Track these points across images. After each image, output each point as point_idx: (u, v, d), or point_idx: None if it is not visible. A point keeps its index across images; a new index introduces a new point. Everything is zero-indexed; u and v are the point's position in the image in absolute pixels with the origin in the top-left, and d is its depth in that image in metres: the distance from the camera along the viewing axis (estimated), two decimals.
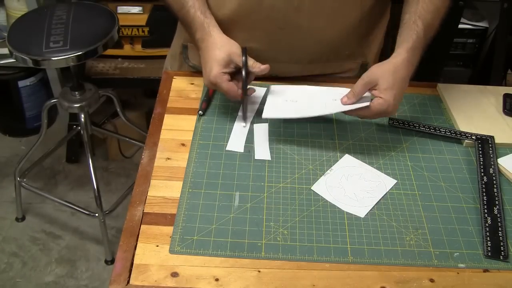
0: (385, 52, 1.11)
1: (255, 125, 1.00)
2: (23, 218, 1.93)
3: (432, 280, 0.75)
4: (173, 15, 1.04)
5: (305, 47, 1.05)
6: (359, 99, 0.93)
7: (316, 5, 0.98)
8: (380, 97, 0.90)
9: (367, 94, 0.93)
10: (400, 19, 0.99)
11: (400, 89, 0.91)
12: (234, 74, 0.96)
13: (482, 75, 2.04)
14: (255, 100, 1.05)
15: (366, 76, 0.92)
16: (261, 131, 0.98)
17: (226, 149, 0.94)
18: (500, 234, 0.81)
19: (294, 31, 1.01)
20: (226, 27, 1.02)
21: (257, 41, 1.03)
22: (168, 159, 0.91)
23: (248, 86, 0.96)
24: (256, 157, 0.93)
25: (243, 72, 0.93)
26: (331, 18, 1.01)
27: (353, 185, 0.89)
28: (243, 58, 0.93)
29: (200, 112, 1.01)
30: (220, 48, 0.94)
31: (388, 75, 0.90)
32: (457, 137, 0.99)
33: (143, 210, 0.82)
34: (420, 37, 0.93)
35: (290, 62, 1.08)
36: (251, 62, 0.94)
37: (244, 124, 0.99)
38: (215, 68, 0.93)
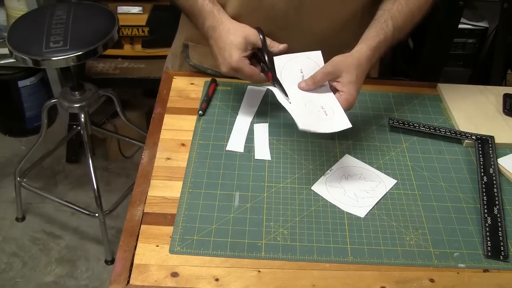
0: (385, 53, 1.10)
1: (255, 125, 1.00)
2: (23, 218, 1.93)
3: (432, 280, 0.75)
4: (179, 8, 1.02)
5: (306, 47, 1.05)
6: (319, 88, 0.92)
7: (317, 5, 0.98)
8: (343, 91, 0.89)
9: (326, 83, 0.92)
10: None
11: (361, 84, 0.91)
12: (250, 58, 0.95)
13: (482, 75, 2.04)
14: (255, 100, 1.06)
15: (330, 66, 0.90)
16: (261, 131, 0.98)
17: (226, 149, 0.94)
18: (500, 234, 0.81)
19: (295, 31, 1.01)
20: None
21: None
22: (168, 159, 0.91)
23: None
24: (256, 157, 0.93)
25: (264, 51, 0.92)
26: (332, 17, 1.01)
27: (353, 185, 0.89)
28: (261, 37, 0.93)
29: (200, 112, 1.01)
30: (234, 33, 0.93)
31: (352, 69, 0.89)
32: (457, 137, 0.99)
33: (143, 210, 0.82)
34: (387, 38, 0.93)
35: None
36: (268, 41, 0.94)
37: (289, 101, 0.90)
38: (235, 53, 0.92)
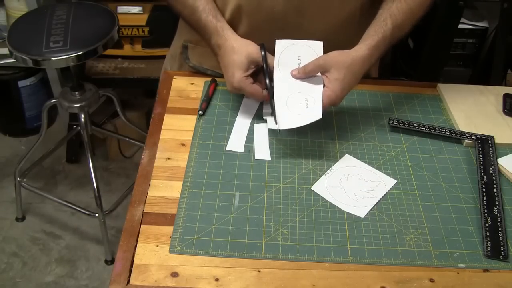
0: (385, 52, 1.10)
1: (255, 125, 1.00)
2: (23, 218, 1.93)
3: (432, 280, 0.75)
4: (185, 20, 1.04)
5: None
6: (310, 77, 0.94)
7: (316, 6, 0.98)
8: (328, 87, 0.91)
9: (319, 74, 0.93)
10: None
11: (350, 83, 0.92)
12: (256, 74, 0.96)
13: (482, 75, 2.04)
14: (255, 100, 1.05)
15: (322, 59, 0.92)
16: (261, 131, 0.98)
17: (226, 149, 0.94)
18: (500, 234, 0.81)
19: (295, 32, 1.01)
20: None
21: (257, 42, 1.03)
22: (168, 159, 0.91)
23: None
24: (256, 157, 0.93)
25: (265, 70, 0.93)
26: (331, 18, 1.01)
27: (353, 185, 0.89)
28: (262, 53, 0.93)
29: (200, 112, 1.01)
30: (237, 52, 0.94)
31: (342, 67, 0.90)
32: (457, 137, 0.99)
33: (143, 210, 0.82)
34: (386, 36, 0.93)
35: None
36: (271, 59, 0.94)
37: (276, 126, 0.92)
38: (236, 73, 0.93)
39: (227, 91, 1.00)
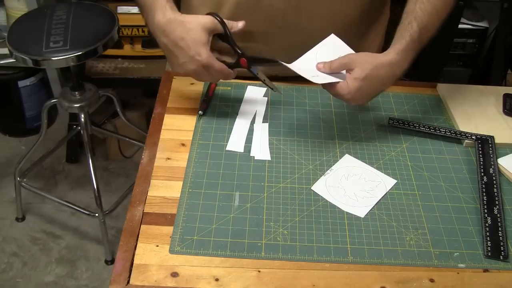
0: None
1: (255, 125, 1.00)
2: (23, 218, 1.93)
3: (432, 280, 0.75)
4: (135, 2, 0.98)
5: (305, 47, 1.05)
6: (335, 75, 0.91)
7: (315, 5, 0.98)
8: (346, 81, 0.89)
9: (344, 71, 0.91)
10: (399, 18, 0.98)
11: (370, 85, 0.89)
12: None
13: (482, 75, 2.04)
14: (255, 100, 1.06)
15: (348, 58, 0.90)
16: (261, 131, 0.98)
17: (226, 149, 0.94)
18: (500, 234, 0.81)
19: (293, 31, 1.01)
20: None
21: (256, 41, 1.03)
22: (168, 159, 0.91)
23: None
24: (256, 157, 0.93)
25: (229, 37, 0.89)
26: (330, 17, 1.01)
27: (353, 185, 0.89)
28: (218, 19, 0.89)
29: (200, 112, 1.01)
30: (192, 28, 0.87)
31: (365, 68, 0.88)
32: (457, 137, 0.99)
33: (143, 210, 0.82)
34: (414, 39, 0.90)
35: (290, 62, 1.08)
36: (227, 22, 0.90)
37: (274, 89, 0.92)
38: (202, 50, 0.87)
39: (224, 90, 1.00)
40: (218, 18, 0.89)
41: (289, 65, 0.91)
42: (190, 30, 0.87)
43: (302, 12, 0.98)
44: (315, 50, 0.96)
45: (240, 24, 0.92)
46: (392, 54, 0.89)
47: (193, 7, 1.05)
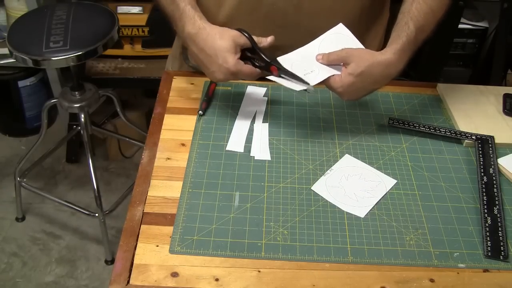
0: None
1: (255, 125, 1.00)
2: (23, 218, 1.93)
3: (432, 280, 0.75)
4: (161, 11, 1.00)
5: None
6: (333, 67, 0.92)
7: (316, 4, 0.98)
8: (340, 76, 0.90)
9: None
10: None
11: (364, 82, 0.90)
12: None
13: (482, 75, 2.04)
14: (255, 100, 1.06)
15: (345, 52, 0.91)
16: (261, 131, 0.98)
17: (226, 149, 0.94)
18: (500, 234, 0.81)
19: (294, 30, 1.01)
20: (226, 25, 1.02)
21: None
22: (168, 159, 0.91)
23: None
24: (256, 157, 0.93)
25: (257, 49, 0.92)
26: (331, 16, 1.01)
27: (353, 185, 0.89)
28: (246, 35, 0.92)
29: (200, 112, 1.01)
30: (222, 37, 0.91)
31: (361, 64, 0.89)
32: (457, 137, 0.99)
33: (143, 210, 0.82)
34: (410, 39, 0.91)
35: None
36: (256, 38, 0.93)
37: (305, 87, 0.90)
38: (230, 57, 0.90)
39: (224, 90, 1.00)
40: (245, 34, 0.92)
41: (282, 62, 0.92)
42: (220, 39, 0.90)
43: (303, 11, 0.98)
44: (319, 39, 0.97)
45: (269, 39, 0.94)
46: (389, 53, 0.90)
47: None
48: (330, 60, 0.92)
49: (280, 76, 0.92)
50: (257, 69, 0.93)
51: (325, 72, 0.92)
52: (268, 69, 0.93)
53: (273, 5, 0.97)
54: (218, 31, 0.91)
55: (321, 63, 0.93)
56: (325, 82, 0.92)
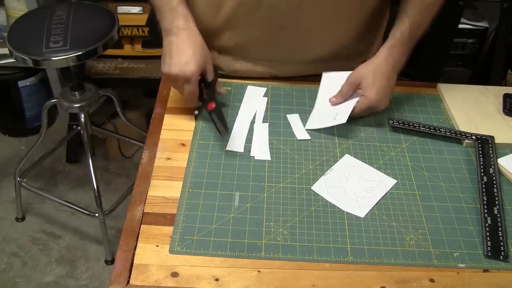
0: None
1: (255, 125, 1.00)
2: (23, 218, 1.93)
3: (432, 280, 0.75)
4: (150, 4, 1.00)
5: (306, 47, 1.05)
6: (348, 99, 1.01)
7: (317, 5, 0.98)
8: (364, 95, 0.98)
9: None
10: None
11: (383, 84, 0.98)
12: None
13: (482, 75, 2.04)
14: (255, 100, 1.06)
15: (350, 77, 1.00)
16: (261, 131, 0.98)
17: (226, 149, 0.94)
18: (500, 234, 0.81)
19: (295, 31, 1.01)
20: (226, 26, 1.02)
21: (257, 41, 1.03)
22: (168, 159, 0.91)
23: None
24: (256, 157, 0.93)
25: (212, 85, 0.98)
26: (332, 17, 1.01)
27: (353, 185, 0.89)
28: (210, 71, 0.97)
29: (196, 112, 1.01)
30: (203, 49, 0.95)
31: (369, 74, 0.98)
32: (457, 137, 0.99)
33: (143, 210, 0.82)
34: (404, 35, 0.98)
35: (290, 62, 1.08)
36: (211, 75, 0.98)
37: (224, 134, 0.94)
38: (193, 65, 0.92)
39: (225, 90, 1.00)
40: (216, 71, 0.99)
41: (309, 127, 0.99)
42: (197, 48, 0.94)
43: (304, 12, 0.98)
44: (320, 96, 1.05)
45: (222, 90, 1.03)
46: (384, 51, 0.99)
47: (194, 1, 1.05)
48: (344, 94, 1.01)
49: (210, 114, 0.95)
50: (198, 96, 0.96)
51: (347, 105, 0.99)
52: (206, 104, 0.95)
53: (274, 6, 0.97)
54: (202, 43, 0.95)
55: (339, 102, 1.01)
56: (355, 112, 0.99)
